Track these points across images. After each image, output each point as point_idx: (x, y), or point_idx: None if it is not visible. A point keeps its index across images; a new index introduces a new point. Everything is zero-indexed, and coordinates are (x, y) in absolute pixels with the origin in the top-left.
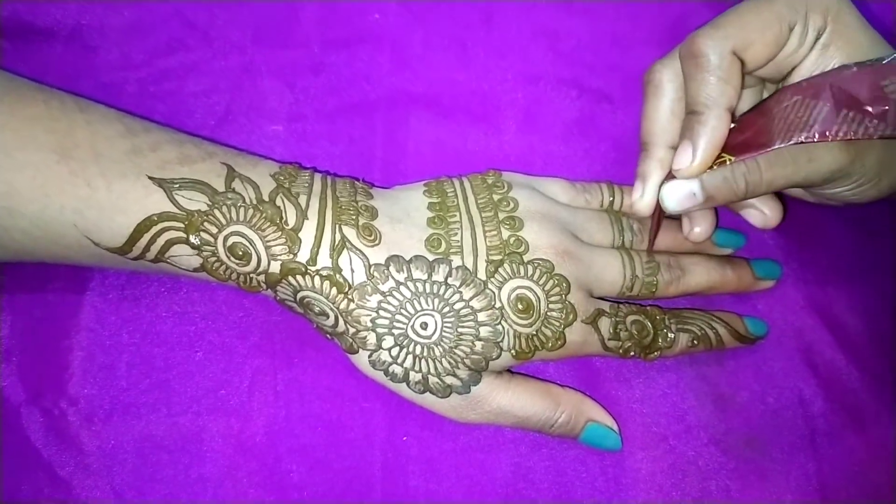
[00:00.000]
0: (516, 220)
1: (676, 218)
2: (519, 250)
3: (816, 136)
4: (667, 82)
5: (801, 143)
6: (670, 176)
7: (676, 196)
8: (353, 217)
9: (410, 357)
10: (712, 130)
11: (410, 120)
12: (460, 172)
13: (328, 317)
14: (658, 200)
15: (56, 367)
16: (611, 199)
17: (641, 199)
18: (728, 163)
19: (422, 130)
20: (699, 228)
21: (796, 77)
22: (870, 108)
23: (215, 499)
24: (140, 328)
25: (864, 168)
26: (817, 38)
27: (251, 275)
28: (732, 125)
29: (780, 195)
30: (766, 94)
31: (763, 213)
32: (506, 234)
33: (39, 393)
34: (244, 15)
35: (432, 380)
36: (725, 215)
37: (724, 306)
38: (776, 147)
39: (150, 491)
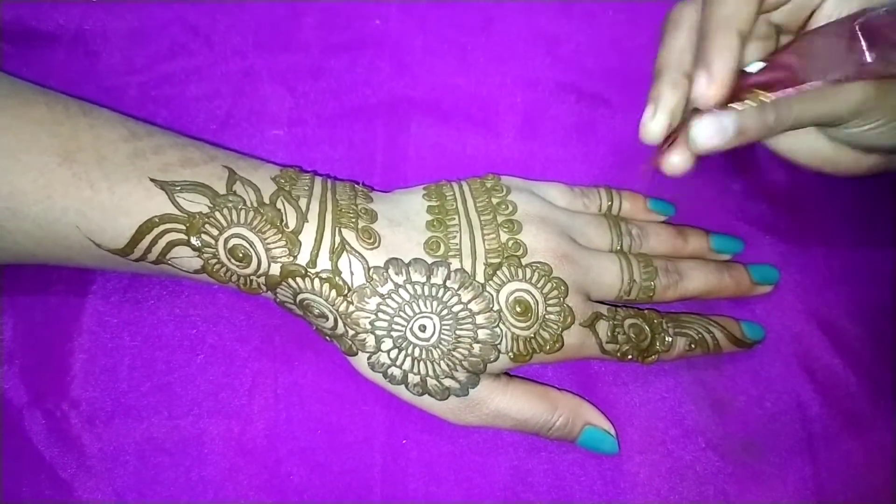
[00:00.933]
0: (515, 223)
1: (673, 221)
2: (517, 253)
3: (852, 73)
4: (686, 18)
5: (838, 80)
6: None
7: (708, 130)
8: (353, 220)
9: (409, 359)
10: (724, 51)
11: (411, 124)
12: (460, 176)
13: (327, 319)
14: (687, 134)
15: (58, 369)
16: (609, 203)
17: (652, 120)
18: (765, 100)
19: (422, 135)
20: (677, 158)
21: (814, 24)
22: None
23: (216, 501)
24: (141, 331)
25: (888, 104)
26: None
27: (251, 277)
28: (763, 64)
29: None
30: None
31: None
32: (504, 237)
33: (41, 395)
34: (245, 20)
35: (431, 382)
36: (721, 222)
37: (722, 311)
38: (813, 84)
39: (151, 493)
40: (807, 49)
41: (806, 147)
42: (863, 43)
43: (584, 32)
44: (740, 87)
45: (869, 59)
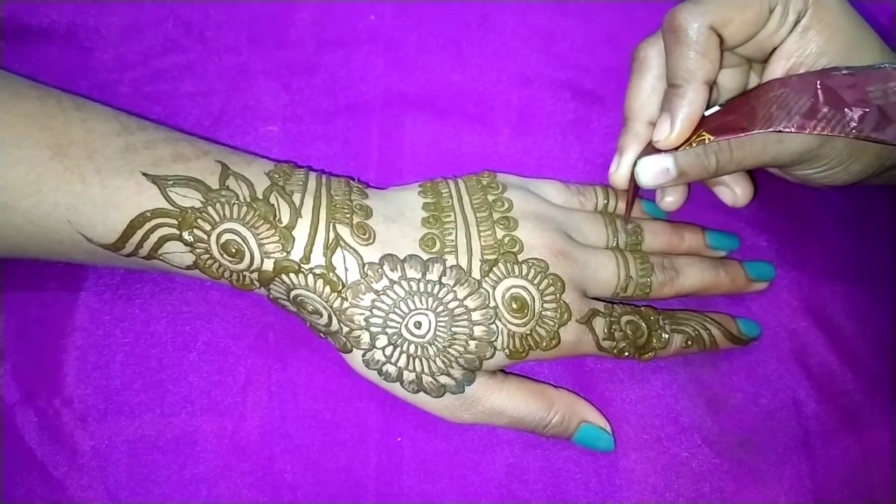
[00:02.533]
0: (511, 220)
1: (669, 218)
2: (513, 250)
3: (795, 127)
4: (651, 59)
5: (780, 131)
6: (648, 151)
7: (650, 171)
8: (348, 215)
9: (404, 356)
10: (690, 103)
11: (406, 121)
12: (455, 173)
13: (321, 315)
14: (633, 174)
15: (50, 366)
16: (605, 201)
17: (617, 171)
18: (707, 141)
19: (417, 131)
20: (670, 198)
21: (778, 58)
22: (850, 110)
23: (209, 499)
24: (134, 328)
25: (834, 152)
26: (797, 21)
27: (244, 272)
28: (719, 108)
29: (754, 179)
30: (752, 75)
31: (734, 192)
32: (500, 233)
33: (34, 392)
34: (239, 15)
35: (426, 379)
36: (717, 219)
37: (718, 308)
38: (755, 132)
39: (144, 491)
40: (759, 98)
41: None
42: (811, 98)
43: (580, 30)
44: (696, 128)
45: (815, 114)
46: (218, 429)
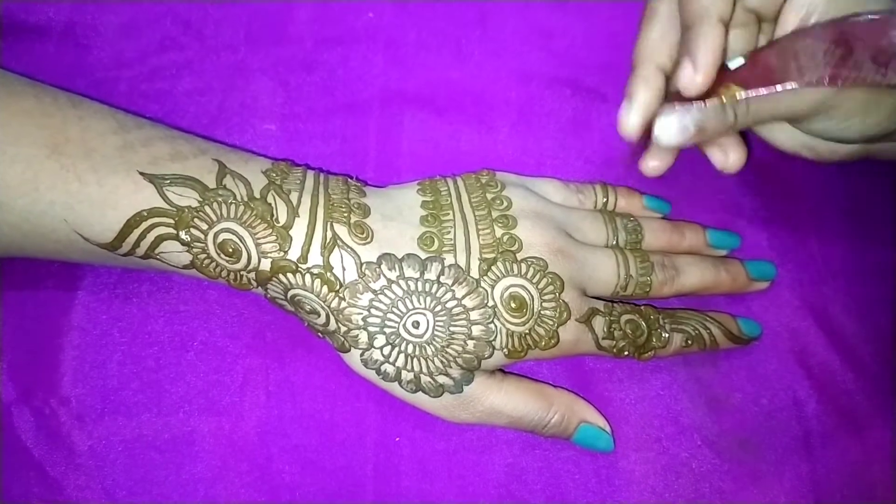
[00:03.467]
0: (510, 218)
1: (670, 217)
2: (512, 248)
3: (828, 78)
4: (663, 9)
5: (812, 84)
6: (666, 106)
7: (670, 129)
8: (345, 215)
9: (402, 356)
10: (708, 40)
11: (404, 119)
12: (454, 171)
13: (319, 315)
14: (652, 131)
15: (47, 365)
16: (605, 199)
17: (628, 118)
18: (738, 96)
19: (415, 129)
20: (654, 163)
21: (789, 10)
22: (878, 57)
23: (207, 499)
24: (131, 327)
25: (851, 101)
26: None
27: (241, 272)
28: (743, 60)
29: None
30: (761, 38)
31: (726, 155)
32: (499, 232)
33: (30, 392)
34: (237, 13)
35: (424, 379)
36: (718, 218)
37: (719, 307)
38: (788, 86)
39: (141, 491)
40: (787, 50)
41: (783, 132)
42: (840, 48)
43: (579, 27)
44: (719, 81)
45: (844, 64)
46: (215, 428)
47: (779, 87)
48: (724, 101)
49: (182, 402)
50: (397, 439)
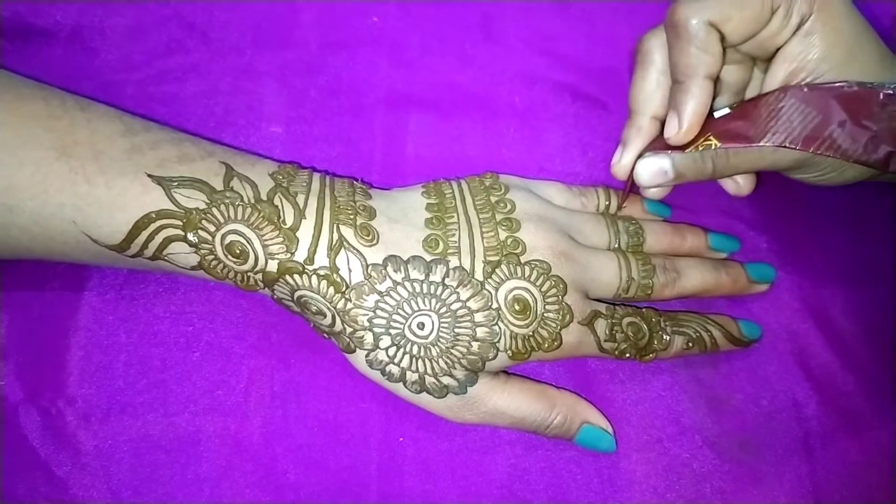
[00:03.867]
0: (513, 221)
1: (671, 220)
2: (516, 251)
3: (800, 144)
4: (654, 52)
5: (785, 147)
6: (651, 147)
7: (649, 171)
8: (351, 217)
9: (407, 357)
10: (693, 98)
11: (409, 122)
12: (458, 174)
13: (325, 316)
14: (633, 171)
15: (54, 366)
16: (607, 202)
17: (619, 162)
18: (714, 147)
19: (420, 132)
20: (745, 183)
21: (780, 61)
22: (857, 130)
23: (212, 499)
24: (137, 328)
25: (826, 161)
26: (801, 24)
27: (248, 273)
28: (728, 111)
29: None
30: (756, 72)
31: (737, 183)
32: (503, 235)
33: (37, 392)
34: (243, 16)
35: (429, 380)
36: (718, 221)
37: (719, 309)
38: (760, 145)
39: (147, 491)
40: (769, 107)
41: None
42: (820, 115)
43: (582, 32)
44: (704, 129)
45: (822, 132)
46: (221, 429)
47: (755, 146)
48: (700, 149)
49: (187, 402)
50: (401, 439)
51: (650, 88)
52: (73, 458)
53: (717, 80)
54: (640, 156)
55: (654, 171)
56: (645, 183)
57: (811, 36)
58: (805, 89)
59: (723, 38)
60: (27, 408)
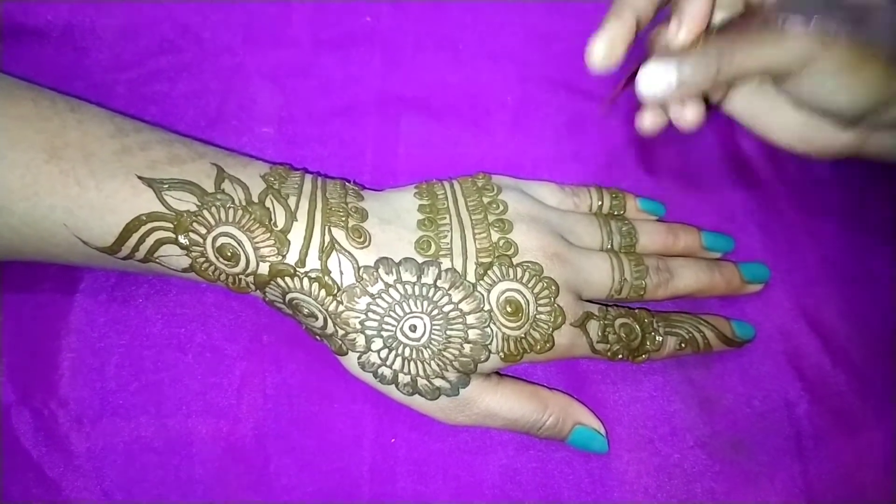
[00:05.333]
0: (506, 222)
1: (664, 220)
2: (508, 253)
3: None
4: None
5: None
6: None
7: (653, 82)
8: (343, 219)
9: (399, 359)
10: (696, 4)
11: (401, 122)
12: (450, 175)
13: (317, 318)
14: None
15: (46, 368)
16: (600, 202)
17: (594, 46)
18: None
19: (412, 133)
20: (692, 111)
21: None
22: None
23: (204, 500)
24: (129, 330)
25: (836, 55)
26: None
27: (240, 276)
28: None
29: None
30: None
31: (682, 110)
32: (495, 236)
33: (29, 394)
34: (235, 16)
35: (421, 382)
36: (711, 221)
37: (712, 310)
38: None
39: (140, 493)
40: (770, 15)
41: (778, 121)
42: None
43: (576, 30)
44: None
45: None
46: (213, 430)
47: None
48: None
49: (180, 404)
50: (393, 440)
51: None
52: (65, 459)
53: None
54: (639, 67)
55: (658, 83)
56: (648, 94)
57: None
58: None
59: None
60: (19, 409)
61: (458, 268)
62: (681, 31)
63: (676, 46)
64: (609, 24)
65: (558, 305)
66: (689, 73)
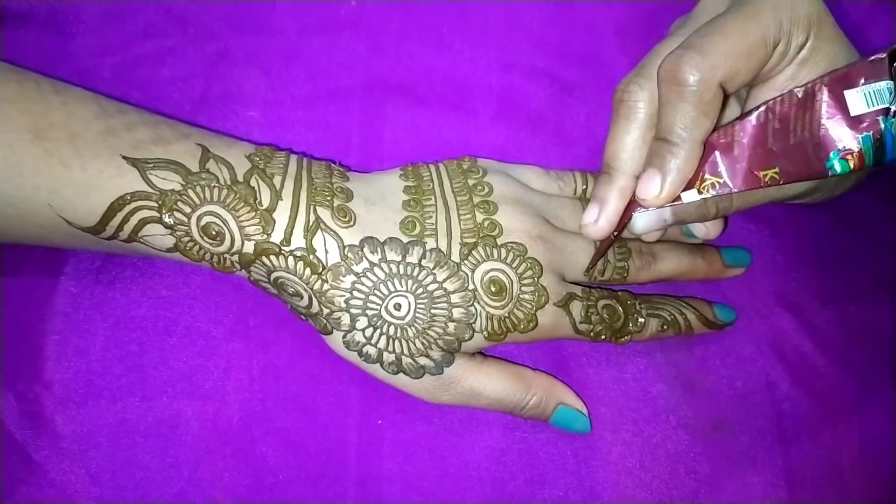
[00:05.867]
0: (490, 204)
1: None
2: (493, 233)
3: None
4: (641, 106)
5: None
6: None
7: (648, 224)
8: (328, 198)
9: (384, 338)
10: (684, 164)
11: (386, 107)
12: (435, 158)
13: (302, 297)
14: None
15: (30, 350)
16: (584, 187)
17: (596, 224)
18: (714, 185)
19: (398, 117)
20: (714, 229)
21: (769, 87)
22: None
23: (190, 482)
24: (115, 313)
25: (826, 186)
26: (797, 53)
27: (225, 255)
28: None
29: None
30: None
31: (705, 227)
32: (480, 217)
33: (14, 377)
34: (220, 1)
35: (405, 360)
36: None
37: (694, 293)
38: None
39: (126, 475)
40: (762, 133)
41: None
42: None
43: (560, 18)
44: (702, 162)
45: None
46: (199, 412)
47: (760, 188)
48: (700, 193)
49: (165, 386)
50: (379, 422)
51: (633, 146)
52: (50, 442)
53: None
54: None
55: (653, 222)
56: (640, 232)
57: (806, 63)
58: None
59: (725, 95)
60: (4, 393)
61: (443, 248)
62: (662, 192)
63: (651, 205)
64: (610, 200)
65: (542, 285)
66: (685, 216)
